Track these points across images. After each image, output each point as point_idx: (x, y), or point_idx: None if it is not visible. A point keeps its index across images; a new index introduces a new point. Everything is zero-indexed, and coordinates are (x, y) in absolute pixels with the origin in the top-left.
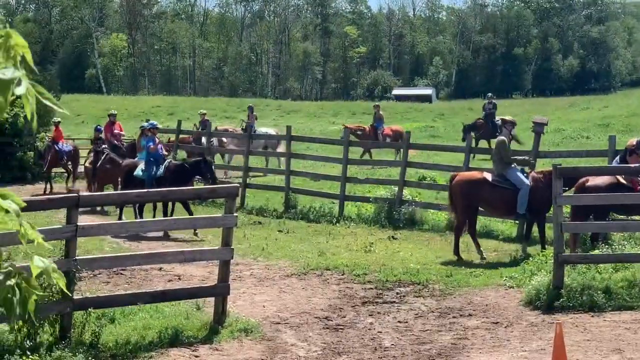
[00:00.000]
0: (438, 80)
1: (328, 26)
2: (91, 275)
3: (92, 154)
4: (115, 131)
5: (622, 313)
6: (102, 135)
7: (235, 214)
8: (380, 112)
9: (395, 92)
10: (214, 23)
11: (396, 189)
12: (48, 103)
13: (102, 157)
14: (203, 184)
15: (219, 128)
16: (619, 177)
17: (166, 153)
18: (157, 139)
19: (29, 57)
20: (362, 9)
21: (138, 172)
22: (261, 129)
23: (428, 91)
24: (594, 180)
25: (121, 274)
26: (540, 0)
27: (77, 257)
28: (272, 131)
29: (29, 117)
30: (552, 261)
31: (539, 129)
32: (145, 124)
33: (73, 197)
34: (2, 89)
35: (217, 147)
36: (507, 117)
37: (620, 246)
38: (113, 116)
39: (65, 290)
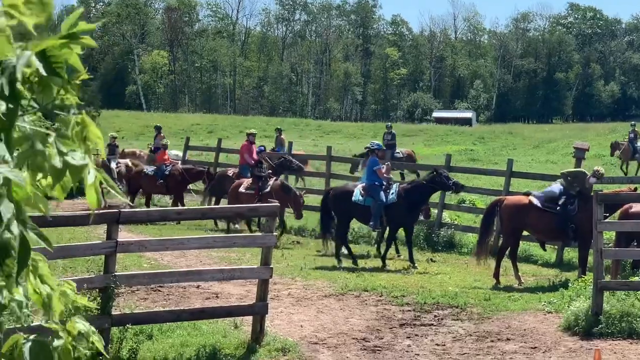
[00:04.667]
0: (478, 104)
1: (369, 47)
2: (129, 292)
3: (245, 178)
4: (254, 155)
5: None
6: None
7: (274, 233)
8: (282, 137)
9: (436, 114)
10: (255, 42)
11: (435, 211)
12: (112, 191)
13: (271, 183)
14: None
15: (126, 151)
16: None
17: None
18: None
19: (101, 146)
20: (404, 30)
21: (357, 197)
22: (171, 152)
23: (468, 114)
24: (638, 207)
25: (159, 290)
26: (582, 25)
27: (116, 273)
28: (181, 154)
29: (93, 205)
30: (592, 287)
31: (579, 154)
32: (371, 144)
33: (113, 213)
34: (74, 174)
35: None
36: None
37: None
38: (252, 136)
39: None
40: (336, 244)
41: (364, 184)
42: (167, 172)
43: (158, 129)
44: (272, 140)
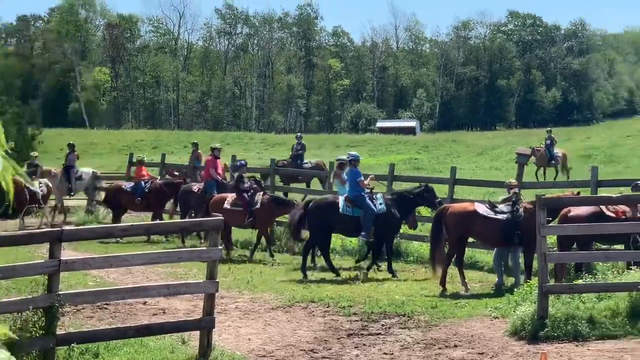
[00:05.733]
0: (422, 113)
1: (311, 59)
2: (74, 310)
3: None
4: (219, 170)
5: (605, 342)
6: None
7: (220, 247)
8: (199, 152)
9: (379, 124)
10: (198, 56)
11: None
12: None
13: (259, 198)
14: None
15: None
16: (602, 207)
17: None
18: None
19: (2, 139)
20: (345, 41)
21: (344, 209)
22: (82, 169)
23: (412, 123)
24: (576, 210)
25: (105, 308)
26: (522, 32)
27: (60, 292)
28: (91, 170)
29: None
30: (537, 291)
31: (522, 160)
32: (343, 156)
33: (56, 231)
34: None
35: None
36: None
37: (603, 276)
38: (217, 150)
39: None
40: (303, 257)
41: (346, 195)
42: (146, 189)
43: (71, 146)
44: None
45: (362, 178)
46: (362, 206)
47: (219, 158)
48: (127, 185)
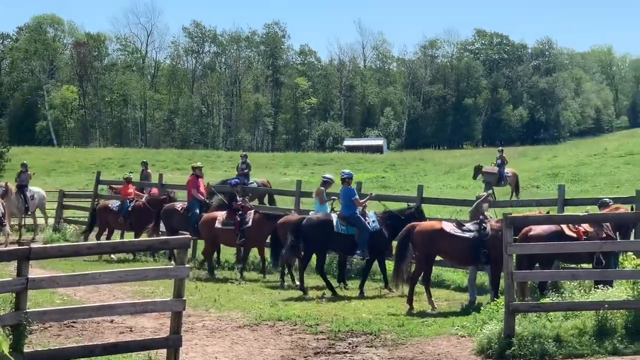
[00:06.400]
0: (389, 131)
1: (279, 77)
2: (42, 328)
3: (221, 211)
4: (201, 189)
5: None
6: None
7: (187, 265)
8: (148, 171)
9: (347, 143)
10: (165, 75)
11: None
12: None
13: (251, 216)
14: None
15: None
16: (563, 226)
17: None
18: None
19: None
20: (313, 60)
21: (339, 227)
22: (33, 189)
23: (379, 142)
24: (536, 230)
25: (72, 326)
26: (489, 51)
27: (27, 310)
28: (42, 191)
29: None
30: (503, 310)
31: (489, 178)
32: (329, 175)
33: (24, 249)
34: None
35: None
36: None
37: (570, 294)
38: (199, 169)
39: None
40: (322, 276)
41: (340, 213)
42: (129, 208)
43: (24, 166)
44: (184, 172)
45: (357, 196)
46: (356, 224)
47: (200, 177)
48: (114, 204)
